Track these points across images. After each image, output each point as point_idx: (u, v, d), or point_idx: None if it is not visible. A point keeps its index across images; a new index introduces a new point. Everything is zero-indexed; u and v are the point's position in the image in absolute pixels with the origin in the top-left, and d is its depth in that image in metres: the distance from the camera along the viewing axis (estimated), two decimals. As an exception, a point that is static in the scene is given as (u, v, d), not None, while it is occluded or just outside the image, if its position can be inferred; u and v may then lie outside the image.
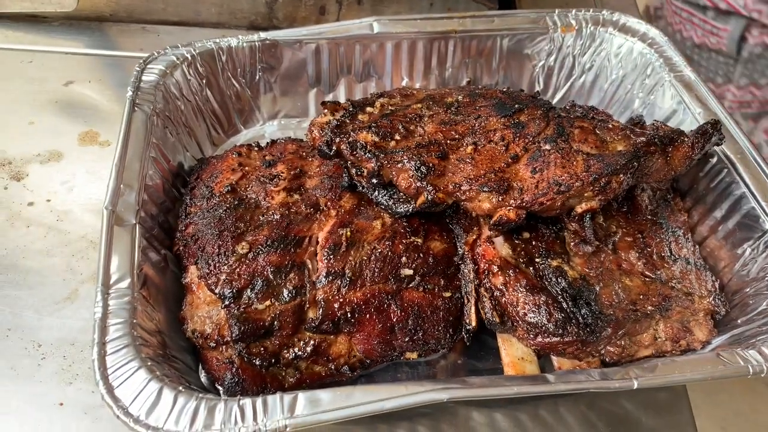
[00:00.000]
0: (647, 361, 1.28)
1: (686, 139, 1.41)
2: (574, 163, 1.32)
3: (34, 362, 1.40)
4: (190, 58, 1.73)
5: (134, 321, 1.18)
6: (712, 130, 1.43)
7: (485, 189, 1.31)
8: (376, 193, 1.41)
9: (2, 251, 1.60)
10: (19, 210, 1.70)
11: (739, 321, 1.39)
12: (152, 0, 2.21)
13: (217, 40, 1.77)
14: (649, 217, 1.52)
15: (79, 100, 2.04)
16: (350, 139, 1.40)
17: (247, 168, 1.54)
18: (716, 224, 1.52)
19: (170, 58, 1.70)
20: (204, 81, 1.76)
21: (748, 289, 1.41)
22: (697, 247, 1.53)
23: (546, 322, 1.26)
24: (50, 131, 1.93)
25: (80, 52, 2.21)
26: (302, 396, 1.07)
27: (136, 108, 1.54)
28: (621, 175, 1.30)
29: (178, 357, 1.28)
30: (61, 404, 1.34)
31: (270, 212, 1.41)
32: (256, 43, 1.79)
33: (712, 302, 1.42)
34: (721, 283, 1.47)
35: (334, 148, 1.41)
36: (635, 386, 1.12)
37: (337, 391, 1.08)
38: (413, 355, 1.34)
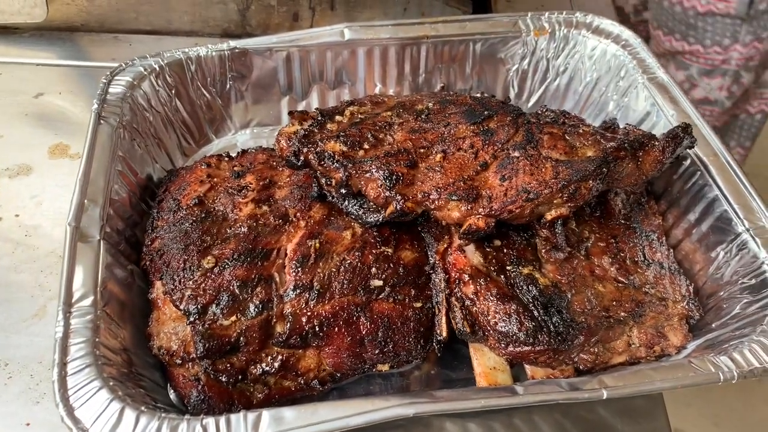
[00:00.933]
0: (619, 369, 1.27)
1: (656, 144, 1.40)
2: (543, 170, 1.31)
3: (1, 381, 1.37)
4: (158, 68, 1.70)
5: (97, 340, 1.16)
6: (683, 133, 1.42)
7: (454, 197, 1.30)
8: (346, 203, 1.39)
9: (-31, 268, 1.57)
10: (-13, 226, 1.68)
11: (713, 325, 1.38)
12: (124, 9, 2.19)
13: (186, 50, 1.75)
14: (623, 221, 1.51)
15: (49, 112, 2.01)
16: (318, 149, 1.38)
17: (215, 179, 1.51)
18: (690, 227, 1.51)
19: (138, 69, 1.68)
20: (173, 91, 1.74)
21: (722, 293, 1.40)
22: (671, 251, 1.52)
23: (517, 331, 1.24)
24: (20, 144, 1.90)
25: (51, 63, 2.17)
26: (266, 414, 1.06)
27: (101, 121, 1.51)
28: (590, 181, 1.29)
29: (146, 374, 1.26)
30: (28, 424, 1.31)
31: (237, 225, 1.39)
32: (225, 52, 1.77)
33: (687, 307, 1.41)
34: (695, 287, 1.46)
35: (302, 158, 1.39)
36: (604, 396, 1.11)
37: (302, 408, 1.06)
38: (385, 367, 1.32)
